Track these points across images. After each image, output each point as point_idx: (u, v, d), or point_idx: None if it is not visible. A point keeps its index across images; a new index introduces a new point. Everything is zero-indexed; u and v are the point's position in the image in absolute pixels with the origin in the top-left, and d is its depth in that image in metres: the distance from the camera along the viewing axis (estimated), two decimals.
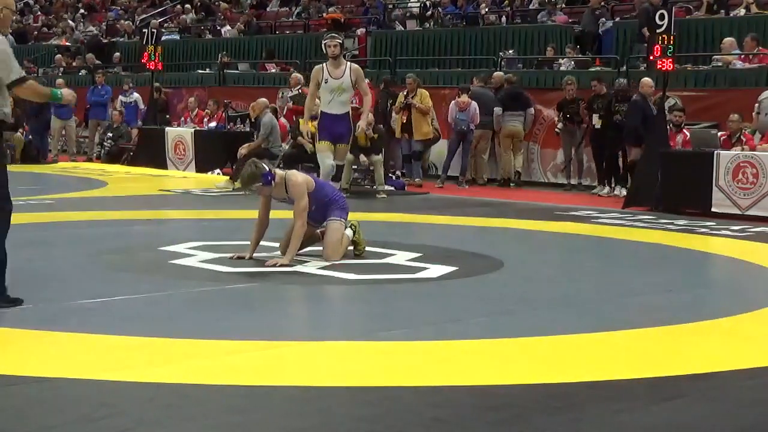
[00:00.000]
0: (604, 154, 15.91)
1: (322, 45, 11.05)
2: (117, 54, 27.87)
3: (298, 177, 8.74)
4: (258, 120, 16.63)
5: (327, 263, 8.56)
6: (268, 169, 8.61)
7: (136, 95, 22.38)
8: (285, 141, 16.68)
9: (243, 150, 16.27)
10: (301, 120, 16.12)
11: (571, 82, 16.60)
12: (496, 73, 17.74)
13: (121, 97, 22.63)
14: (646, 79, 14.98)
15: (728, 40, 16.68)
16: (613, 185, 15.82)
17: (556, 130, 16.87)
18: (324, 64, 10.91)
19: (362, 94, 11.44)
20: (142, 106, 22.29)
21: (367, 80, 11.89)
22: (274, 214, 8.81)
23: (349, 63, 11.12)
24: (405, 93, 17.31)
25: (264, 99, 17.23)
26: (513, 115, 17.18)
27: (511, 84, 17.58)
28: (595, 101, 15.96)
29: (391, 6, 24.63)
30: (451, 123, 16.96)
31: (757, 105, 14.22)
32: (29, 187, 14.70)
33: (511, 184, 17.12)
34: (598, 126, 15.84)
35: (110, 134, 21.73)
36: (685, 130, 14.37)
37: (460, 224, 12.20)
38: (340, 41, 11.00)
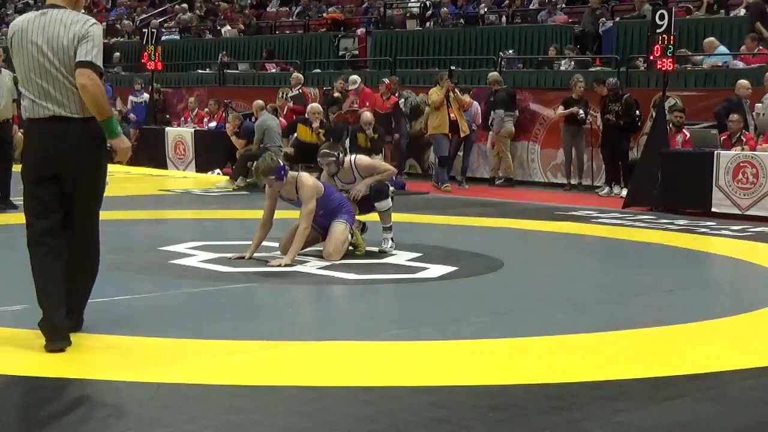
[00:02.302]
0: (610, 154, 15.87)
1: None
2: (117, 54, 27.87)
3: (309, 180, 8.78)
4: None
5: (327, 263, 8.56)
6: (282, 164, 8.67)
7: (146, 95, 22.35)
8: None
9: (241, 151, 16.34)
10: (300, 125, 16.15)
11: (580, 81, 16.54)
12: (492, 74, 17.53)
13: (131, 97, 22.64)
14: (743, 81, 14.58)
15: (708, 41, 16.68)
16: (612, 185, 15.81)
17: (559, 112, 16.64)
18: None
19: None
20: None
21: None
22: (276, 214, 8.82)
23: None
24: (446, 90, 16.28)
25: (260, 101, 17.23)
26: (509, 116, 17.16)
27: (499, 85, 17.46)
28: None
29: (389, 5, 24.63)
30: None
31: (758, 105, 14.22)
32: None
33: (498, 182, 17.25)
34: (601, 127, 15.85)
35: None
36: (685, 130, 14.37)
37: (460, 224, 12.20)
38: (334, 159, 9.41)
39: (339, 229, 8.79)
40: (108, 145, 5.63)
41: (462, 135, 16.72)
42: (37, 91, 5.53)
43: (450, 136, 16.39)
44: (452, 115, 16.26)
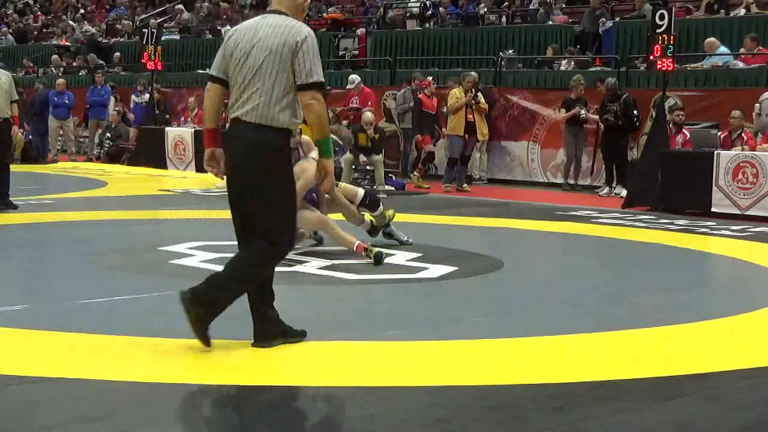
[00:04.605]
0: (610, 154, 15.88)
1: None
2: (117, 54, 27.87)
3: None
4: None
5: (328, 263, 8.56)
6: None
7: (147, 95, 22.36)
8: None
9: None
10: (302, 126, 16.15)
11: (581, 82, 16.54)
12: (473, 74, 17.14)
13: (133, 97, 22.65)
14: None
15: (709, 41, 16.68)
16: (612, 185, 15.82)
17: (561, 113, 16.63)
18: None
19: None
20: None
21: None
22: None
23: None
24: (468, 92, 16.33)
25: None
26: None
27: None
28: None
29: (389, 5, 24.62)
30: None
31: (757, 105, 14.22)
32: (29, 187, 14.70)
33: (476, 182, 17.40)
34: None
35: (108, 134, 21.71)
36: (684, 130, 14.37)
37: (460, 224, 12.20)
38: None
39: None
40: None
41: (481, 138, 16.80)
42: (237, 93, 5.51)
43: (467, 138, 16.39)
44: (470, 117, 16.30)
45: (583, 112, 16.13)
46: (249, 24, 5.63)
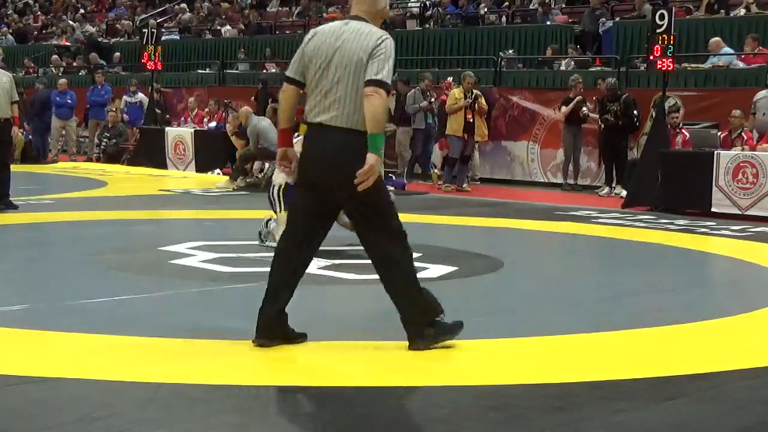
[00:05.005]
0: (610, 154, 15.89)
1: None
2: (117, 54, 27.87)
3: None
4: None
5: (327, 263, 8.57)
6: None
7: (140, 95, 22.35)
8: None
9: (241, 151, 16.41)
10: (302, 125, 16.15)
11: (580, 81, 16.54)
12: (470, 74, 16.97)
13: (125, 97, 22.63)
14: None
15: (714, 40, 16.69)
16: (612, 185, 15.82)
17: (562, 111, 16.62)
18: None
19: None
20: (146, 107, 22.27)
21: None
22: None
23: None
24: (466, 92, 16.39)
25: (247, 107, 17.32)
26: None
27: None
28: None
29: (389, 5, 24.61)
30: None
31: (752, 105, 14.23)
32: (29, 187, 14.70)
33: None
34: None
35: (107, 134, 21.71)
36: (684, 131, 14.37)
37: (460, 224, 12.20)
38: None
39: None
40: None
41: (480, 138, 16.80)
42: (318, 98, 5.56)
43: (466, 138, 16.37)
44: (469, 117, 16.30)
45: (584, 108, 16.13)
46: (330, 29, 5.67)
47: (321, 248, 9.25)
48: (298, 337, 5.74)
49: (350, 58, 5.47)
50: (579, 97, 16.21)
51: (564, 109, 16.41)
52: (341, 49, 5.49)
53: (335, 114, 5.48)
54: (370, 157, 5.42)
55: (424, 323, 5.62)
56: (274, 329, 5.65)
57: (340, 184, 5.48)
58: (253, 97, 20.54)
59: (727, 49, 16.70)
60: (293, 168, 5.72)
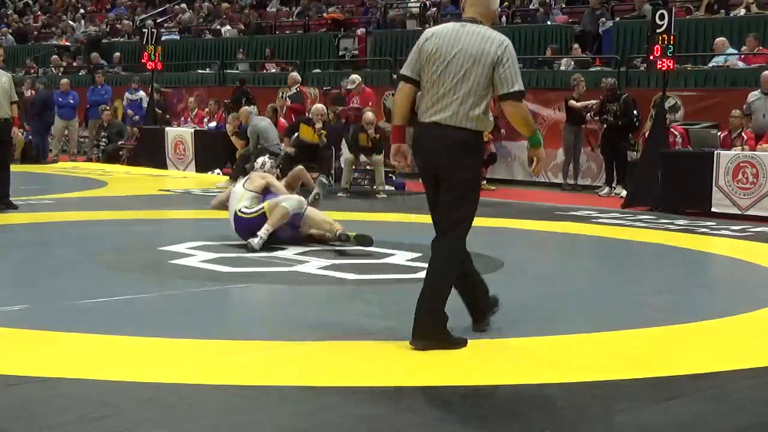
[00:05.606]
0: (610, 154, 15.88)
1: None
2: (117, 54, 27.87)
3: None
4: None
5: (327, 263, 8.57)
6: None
7: (141, 93, 22.35)
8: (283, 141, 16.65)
9: (241, 151, 16.44)
10: (303, 125, 16.17)
11: (582, 80, 16.53)
12: None
13: (126, 94, 22.63)
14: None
15: (719, 40, 16.68)
16: (612, 185, 15.82)
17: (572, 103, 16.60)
18: None
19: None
20: (145, 105, 22.27)
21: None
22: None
23: None
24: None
25: (246, 107, 17.36)
26: None
27: None
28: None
29: (389, 5, 24.63)
30: None
31: (746, 106, 14.24)
32: (29, 186, 14.69)
33: None
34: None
35: (104, 133, 21.70)
36: (673, 129, 14.37)
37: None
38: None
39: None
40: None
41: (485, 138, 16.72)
42: (435, 97, 5.72)
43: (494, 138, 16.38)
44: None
45: (592, 102, 16.09)
46: (448, 30, 5.80)
47: (319, 249, 9.32)
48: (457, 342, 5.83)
49: (470, 61, 5.65)
50: (590, 102, 16.15)
51: (572, 103, 16.39)
52: (461, 51, 5.66)
53: (450, 113, 5.66)
54: (540, 152, 5.87)
55: (443, 321, 5.69)
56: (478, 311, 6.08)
57: (447, 179, 5.73)
58: (229, 99, 20.56)
59: (731, 50, 16.70)
60: (409, 163, 5.96)
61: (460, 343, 5.73)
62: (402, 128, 5.93)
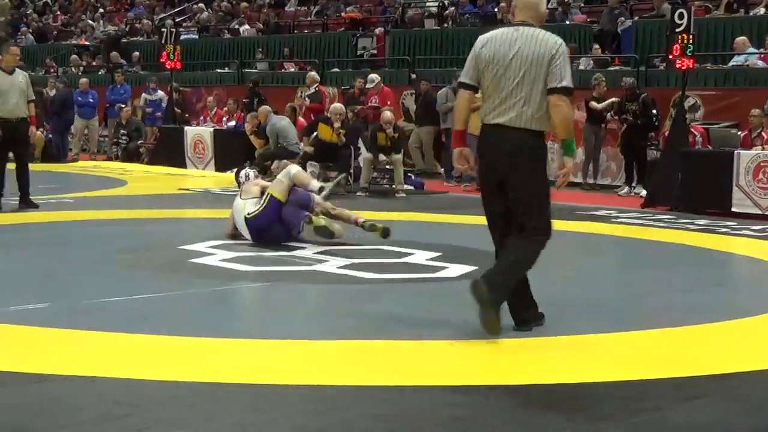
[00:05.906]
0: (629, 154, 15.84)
1: None
2: (136, 53, 27.95)
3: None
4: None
5: (347, 262, 8.57)
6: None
7: (160, 93, 22.39)
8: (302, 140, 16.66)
9: (260, 150, 16.48)
10: (321, 124, 16.17)
11: (603, 80, 16.47)
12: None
13: (144, 95, 22.67)
14: None
15: (740, 39, 16.59)
16: (632, 185, 15.76)
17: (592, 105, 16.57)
18: None
19: None
20: (164, 104, 22.31)
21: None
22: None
23: None
24: None
25: (266, 106, 17.40)
26: None
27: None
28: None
29: (408, 4, 24.61)
30: None
31: (766, 105, 14.14)
32: (49, 185, 14.75)
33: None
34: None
35: (123, 131, 21.76)
36: (692, 129, 14.31)
37: (480, 223, 12.11)
38: None
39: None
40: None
41: None
42: (497, 101, 5.91)
43: None
44: None
45: (614, 99, 16.03)
46: (503, 35, 5.98)
47: (340, 248, 9.31)
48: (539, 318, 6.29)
49: (528, 63, 5.82)
50: (612, 99, 16.11)
51: (596, 105, 16.35)
52: (518, 55, 5.85)
53: (513, 116, 5.84)
54: (568, 161, 6.04)
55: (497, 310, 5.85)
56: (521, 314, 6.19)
57: (512, 182, 5.87)
58: (245, 99, 20.61)
59: (751, 48, 16.62)
60: (472, 165, 6.20)
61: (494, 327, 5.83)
62: (462, 133, 6.16)
